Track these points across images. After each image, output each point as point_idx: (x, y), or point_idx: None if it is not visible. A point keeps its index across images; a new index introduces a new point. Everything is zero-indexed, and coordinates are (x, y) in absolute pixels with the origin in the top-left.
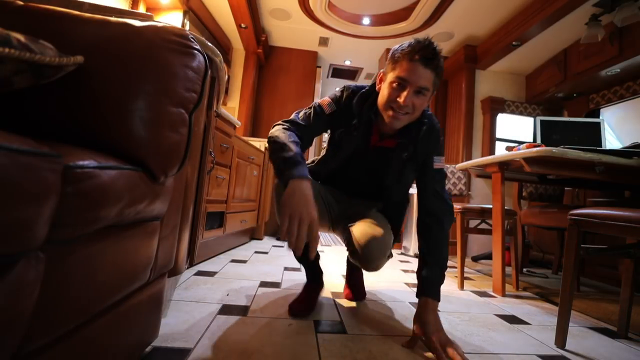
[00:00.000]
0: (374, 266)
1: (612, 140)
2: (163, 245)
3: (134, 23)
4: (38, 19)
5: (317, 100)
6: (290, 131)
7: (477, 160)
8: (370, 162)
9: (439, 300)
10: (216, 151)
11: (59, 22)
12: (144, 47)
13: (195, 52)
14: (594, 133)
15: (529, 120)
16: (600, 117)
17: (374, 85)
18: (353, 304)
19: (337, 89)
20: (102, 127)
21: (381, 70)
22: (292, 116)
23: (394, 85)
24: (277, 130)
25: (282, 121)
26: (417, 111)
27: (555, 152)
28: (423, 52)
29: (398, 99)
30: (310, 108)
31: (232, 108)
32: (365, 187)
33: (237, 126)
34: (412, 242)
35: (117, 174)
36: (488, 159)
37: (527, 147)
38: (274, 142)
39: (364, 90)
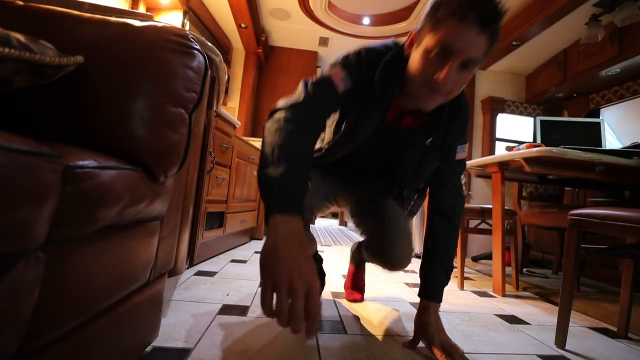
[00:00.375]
0: (400, 269)
1: (612, 140)
2: (163, 245)
3: (134, 23)
4: (38, 19)
5: (325, 68)
6: (292, 122)
7: (477, 160)
8: (383, 145)
9: (440, 302)
10: (216, 151)
11: (59, 22)
12: (144, 47)
13: (195, 52)
14: (594, 133)
15: (529, 120)
16: (600, 117)
17: (400, 47)
18: (353, 304)
19: (351, 52)
20: (103, 127)
21: (415, 28)
22: (299, 89)
23: (433, 54)
24: (275, 122)
25: (285, 105)
26: (457, 91)
27: (555, 152)
28: (481, 9)
29: (436, 76)
30: (319, 83)
31: (232, 108)
32: (375, 172)
33: (237, 126)
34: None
35: (117, 173)
36: (488, 159)
37: (527, 147)
38: (262, 145)
39: (387, 57)
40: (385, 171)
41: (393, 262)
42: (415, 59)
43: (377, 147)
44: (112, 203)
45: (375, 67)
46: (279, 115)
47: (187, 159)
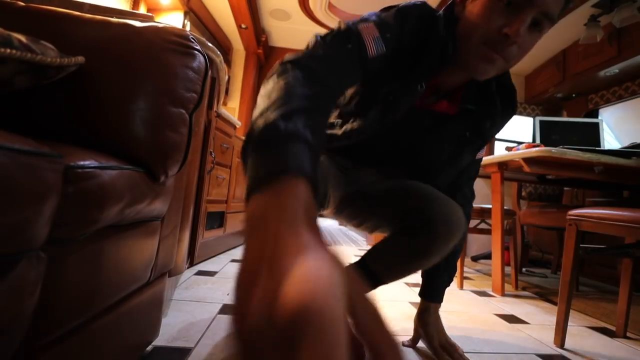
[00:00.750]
0: (459, 230)
1: (610, 140)
2: (163, 245)
3: (135, 24)
4: (39, 20)
5: (350, 21)
6: (299, 71)
7: None
8: (406, 133)
9: (441, 302)
10: (217, 151)
11: (60, 23)
12: (145, 48)
13: (196, 52)
14: (592, 133)
15: (528, 121)
16: (599, 118)
17: (449, 6)
18: None
19: (383, 13)
20: (104, 127)
21: None
22: (312, 41)
23: (502, 3)
24: (274, 74)
25: (292, 57)
26: (520, 57)
27: (554, 152)
28: None
29: (506, 30)
30: (343, 37)
31: (233, 108)
32: (385, 164)
33: (237, 126)
34: None
35: (118, 173)
36: (487, 159)
37: (527, 147)
38: (259, 102)
39: (441, 15)
40: (397, 163)
41: (447, 215)
42: (474, 12)
43: (401, 132)
44: (113, 203)
45: (422, 28)
46: (281, 66)
47: (187, 159)
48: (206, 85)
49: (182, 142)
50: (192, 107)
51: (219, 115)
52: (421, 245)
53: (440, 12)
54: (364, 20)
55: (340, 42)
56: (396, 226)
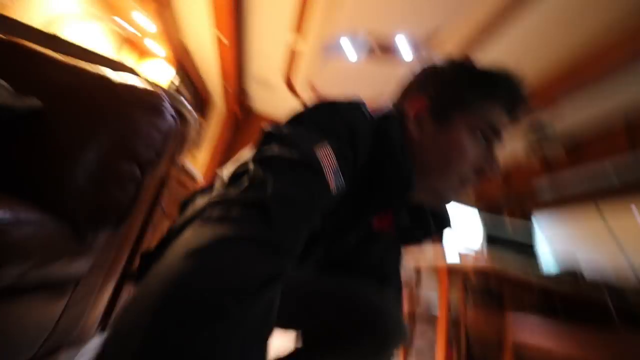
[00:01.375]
0: (405, 337)
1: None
2: (69, 312)
3: (112, 76)
4: (10, 55)
5: (297, 139)
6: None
7: (428, 256)
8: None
9: None
10: (170, 203)
11: (32, 62)
12: (114, 102)
13: (166, 114)
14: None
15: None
16: (534, 221)
17: (396, 119)
18: None
19: (326, 124)
20: (43, 176)
21: (425, 98)
22: (258, 175)
23: (477, 141)
24: (223, 257)
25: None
26: None
27: (498, 269)
28: (521, 107)
29: (487, 167)
30: (308, 170)
31: (201, 161)
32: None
33: (198, 180)
34: None
35: (33, 230)
36: (438, 258)
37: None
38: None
39: (396, 132)
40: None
41: (402, 335)
42: (446, 145)
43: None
44: (15, 262)
45: (375, 150)
46: (234, 243)
47: (127, 217)
48: (170, 145)
49: (125, 200)
50: (148, 166)
51: (180, 169)
52: (362, 354)
53: (381, 118)
54: (317, 136)
55: (308, 180)
56: (330, 329)
